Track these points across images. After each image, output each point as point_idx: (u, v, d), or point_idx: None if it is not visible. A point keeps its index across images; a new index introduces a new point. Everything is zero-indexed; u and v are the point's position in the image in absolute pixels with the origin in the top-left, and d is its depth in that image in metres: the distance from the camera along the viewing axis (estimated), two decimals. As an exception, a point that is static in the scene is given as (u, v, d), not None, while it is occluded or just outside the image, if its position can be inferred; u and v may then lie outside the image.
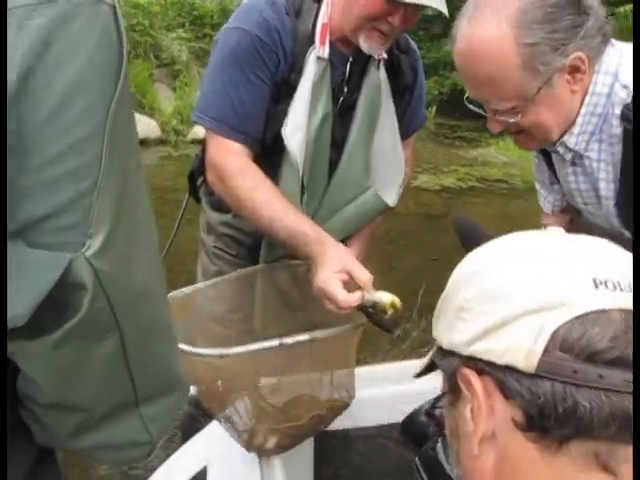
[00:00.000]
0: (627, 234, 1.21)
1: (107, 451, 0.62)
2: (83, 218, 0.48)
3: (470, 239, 1.44)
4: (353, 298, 1.22)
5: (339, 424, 1.33)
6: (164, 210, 2.65)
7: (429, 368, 0.65)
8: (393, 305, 1.20)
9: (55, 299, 0.47)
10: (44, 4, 0.46)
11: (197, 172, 1.60)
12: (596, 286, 0.51)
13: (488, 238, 1.42)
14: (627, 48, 1.12)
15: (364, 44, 1.38)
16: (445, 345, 0.59)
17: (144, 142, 7.42)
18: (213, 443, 1.27)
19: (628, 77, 1.08)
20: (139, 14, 8.66)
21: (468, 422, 0.55)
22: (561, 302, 0.51)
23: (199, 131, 5.83)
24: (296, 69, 1.40)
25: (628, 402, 0.48)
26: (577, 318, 0.50)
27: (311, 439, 1.31)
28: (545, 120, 1.11)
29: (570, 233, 0.61)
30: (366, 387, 1.37)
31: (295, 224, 1.32)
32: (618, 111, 1.09)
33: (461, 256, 0.62)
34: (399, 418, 1.14)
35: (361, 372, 1.35)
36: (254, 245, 1.57)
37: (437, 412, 0.70)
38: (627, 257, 0.56)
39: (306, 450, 1.31)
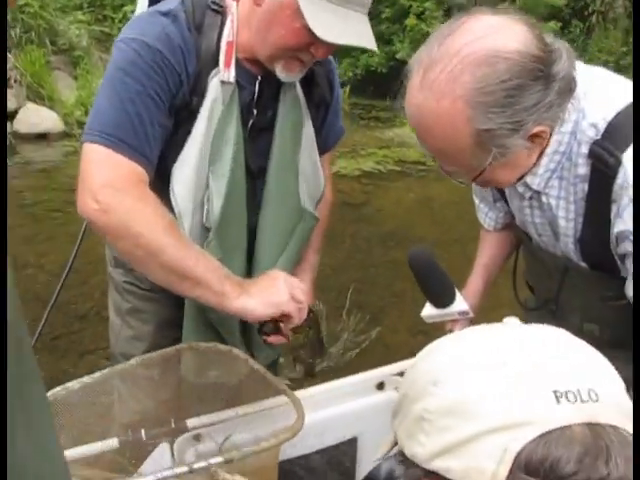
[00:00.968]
0: (584, 265, 1.17)
1: None
2: None
3: (424, 277, 1.36)
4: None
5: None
6: (71, 210, 2.45)
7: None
8: None
9: None
10: None
11: None
12: (557, 400, 0.50)
13: (442, 275, 1.38)
14: (597, 80, 1.04)
15: (281, 73, 1.26)
16: (407, 453, 0.57)
17: (46, 137, 6.95)
18: None
19: (596, 115, 1.00)
20: (26, -7, 7.98)
21: None
22: (523, 420, 0.49)
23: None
24: (198, 92, 1.25)
25: None
26: (541, 437, 0.48)
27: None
28: (499, 177, 1.05)
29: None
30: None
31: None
32: (585, 150, 1.02)
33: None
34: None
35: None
36: None
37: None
38: (581, 357, 0.55)
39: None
